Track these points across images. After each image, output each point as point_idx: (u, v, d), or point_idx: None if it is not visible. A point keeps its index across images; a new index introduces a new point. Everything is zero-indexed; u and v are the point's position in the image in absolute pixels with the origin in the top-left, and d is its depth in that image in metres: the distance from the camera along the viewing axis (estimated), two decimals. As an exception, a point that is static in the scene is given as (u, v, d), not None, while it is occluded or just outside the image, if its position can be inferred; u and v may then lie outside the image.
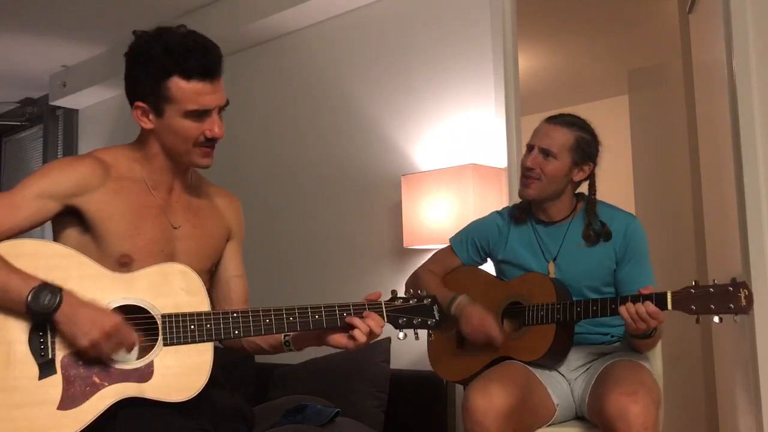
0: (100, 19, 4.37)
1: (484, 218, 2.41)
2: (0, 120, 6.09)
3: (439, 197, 2.90)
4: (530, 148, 2.21)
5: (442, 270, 2.38)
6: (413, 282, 2.40)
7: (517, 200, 2.88)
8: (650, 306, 1.86)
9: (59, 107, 5.51)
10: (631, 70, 4.64)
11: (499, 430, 1.87)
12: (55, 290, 1.49)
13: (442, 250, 2.44)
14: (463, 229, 2.43)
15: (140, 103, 1.66)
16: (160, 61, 1.61)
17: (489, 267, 2.41)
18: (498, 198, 2.95)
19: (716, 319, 1.81)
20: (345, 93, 3.67)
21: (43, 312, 1.48)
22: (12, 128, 6.11)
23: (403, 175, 3.10)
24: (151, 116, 1.66)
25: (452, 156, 3.18)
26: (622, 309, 1.88)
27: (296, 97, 3.92)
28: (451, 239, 2.42)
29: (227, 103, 1.70)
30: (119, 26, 4.45)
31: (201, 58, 1.62)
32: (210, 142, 1.69)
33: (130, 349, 1.54)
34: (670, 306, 1.85)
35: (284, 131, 3.97)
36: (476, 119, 3.15)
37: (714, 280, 1.83)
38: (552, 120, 2.22)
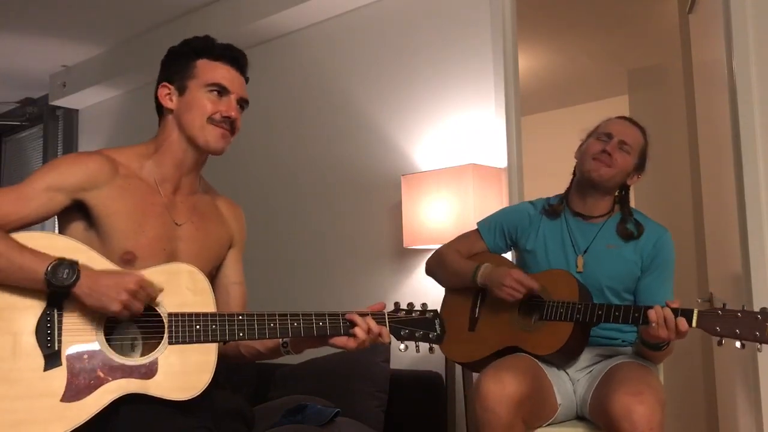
0: (100, 19, 4.37)
1: (516, 206, 2.42)
2: (0, 120, 6.09)
3: (439, 197, 2.90)
4: (608, 135, 2.20)
5: (467, 252, 2.37)
6: (437, 258, 2.39)
7: (517, 201, 2.90)
8: (683, 323, 1.83)
9: (59, 107, 5.51)
10: (631, 70, 4.64)
11: (510, 416, 1.88)
12: (73, 264, 1.52)
13: (468, 232, 2.43)
14: (493, 214, 2.42)
15: (166, 84, 1.77)
16: (193, 46, 1.79)
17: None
18: (498, 198, 2.95)
19: (738, 344, 1.78)
20: (345, 93, 3.68)
21: (62, 285, 1.50)
22: (12, 128, 6.11)
23: (403, 175, 3.10)
24: (174, 96, 1.76)
25: (452, 156, 3.18)
26: (651, 312, 1.85)
27: (296, 97, 3.93)
28: (479, 223, 2.41)
29: (247, 102, 1.84)
30: (119, 26, 4.47)
31: (231, 49, 1.82)
32: (225, 123, 1.76)
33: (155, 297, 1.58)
34: (695, 324, 1.83)
35: (284, 131, 3.97)
36: (476, 119, 3.15)
37: (743, 306, 1.82)
38: (627, 119, 2.27)
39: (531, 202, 2.38)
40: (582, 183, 2.24)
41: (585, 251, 2.20)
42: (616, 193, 2.25)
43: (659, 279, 2.15)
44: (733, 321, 1.79)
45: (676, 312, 1.84)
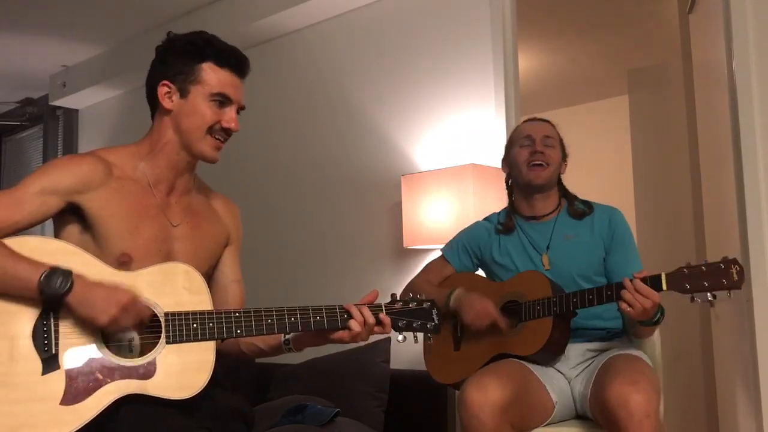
0: (100, 19, 4.37)
1: (472, 225, 2.47)
2: (0, 120, 6.09)
3: (439, 197, 2.90)
4: (528, 138, 2.28)
5: (437, 279, 2.41)
6: (409, 291, 2.40)
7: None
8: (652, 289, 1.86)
9: (59, 107, 5.50)
10: (631, 70, 4.64)
11: (495, 423, 1.88)
12: (67, 273, 1.51)
13: (434, 261, 2.47)
14: (453, 238, 2.47)
15: (167, 82, 1.72)
16: (199, 47, 1.72)
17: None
18: (498, 198, 2.94)
19: (710, 296, 1.82)
20: (345, 93, 3.67)
21: (55, 294, 1.49)
22: (12, 128, 6.11)
23: (403, 175, 3.10)
24: (174, 97, 1.72)
25: (452, 156, 3.18)
26: (625, 292, 1.88)
27: (296, 97, 3.93)
28: (443, 249, 2.46)
29: (243, 108, 1.80)
30: (119, 26, 4.47)
31: (236, 54, 1.77)
32: (223, 135, 1.75)
33: (145, 322, 1.56)
34: (664, 286, 1.87)
35: (284, 131, 3.97)
36: (476, 119, 3.15)
37: (706, 260, 1.86)
38: (534, 119, 2.38)
39: (486, 219, 2.44)
40: (525, 190, 2.30)
41: (547, 248, 2.24)
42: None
43: (624, 255, 2.20)
44: (700, 275, 1.83)
45: (645, 280, 1.88)
